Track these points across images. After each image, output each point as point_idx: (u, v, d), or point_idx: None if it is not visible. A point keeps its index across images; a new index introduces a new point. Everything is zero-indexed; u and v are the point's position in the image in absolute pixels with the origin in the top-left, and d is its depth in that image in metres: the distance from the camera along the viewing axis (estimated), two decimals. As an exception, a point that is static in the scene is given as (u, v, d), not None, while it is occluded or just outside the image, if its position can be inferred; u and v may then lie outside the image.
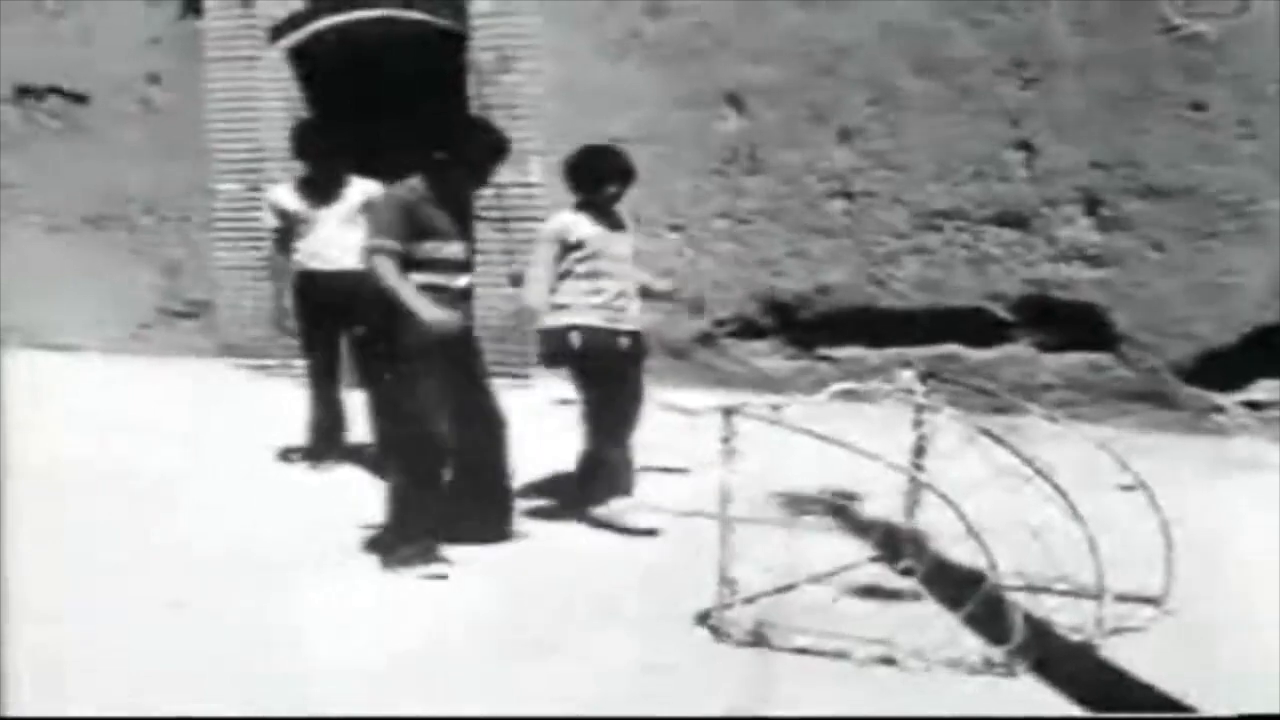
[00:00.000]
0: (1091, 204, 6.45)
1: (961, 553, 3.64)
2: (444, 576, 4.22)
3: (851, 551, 4.28)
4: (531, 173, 7.52)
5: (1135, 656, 3.34)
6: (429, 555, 4.28)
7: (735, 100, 7.16)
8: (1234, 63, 6.09)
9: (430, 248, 4.33)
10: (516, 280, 6.90)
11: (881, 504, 4.43)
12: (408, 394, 4.27)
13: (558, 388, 5.78)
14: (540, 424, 5.61)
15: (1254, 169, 6.11)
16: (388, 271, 4.25)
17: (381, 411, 4.53)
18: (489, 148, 4.47)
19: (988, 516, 3.28)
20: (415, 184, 4.41)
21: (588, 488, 4.84)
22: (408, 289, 4.24)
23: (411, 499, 4.30)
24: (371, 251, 4.30)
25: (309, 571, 4.26)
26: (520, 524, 4.71)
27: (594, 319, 4.72)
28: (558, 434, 5.19)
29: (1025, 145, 6.56)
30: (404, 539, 4.29)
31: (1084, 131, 6.41)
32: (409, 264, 4.29)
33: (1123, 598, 3.49)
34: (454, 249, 4.42)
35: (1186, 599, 3.67)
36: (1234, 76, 6.10)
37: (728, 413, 3.60)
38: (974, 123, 6.64)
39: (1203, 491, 4.92)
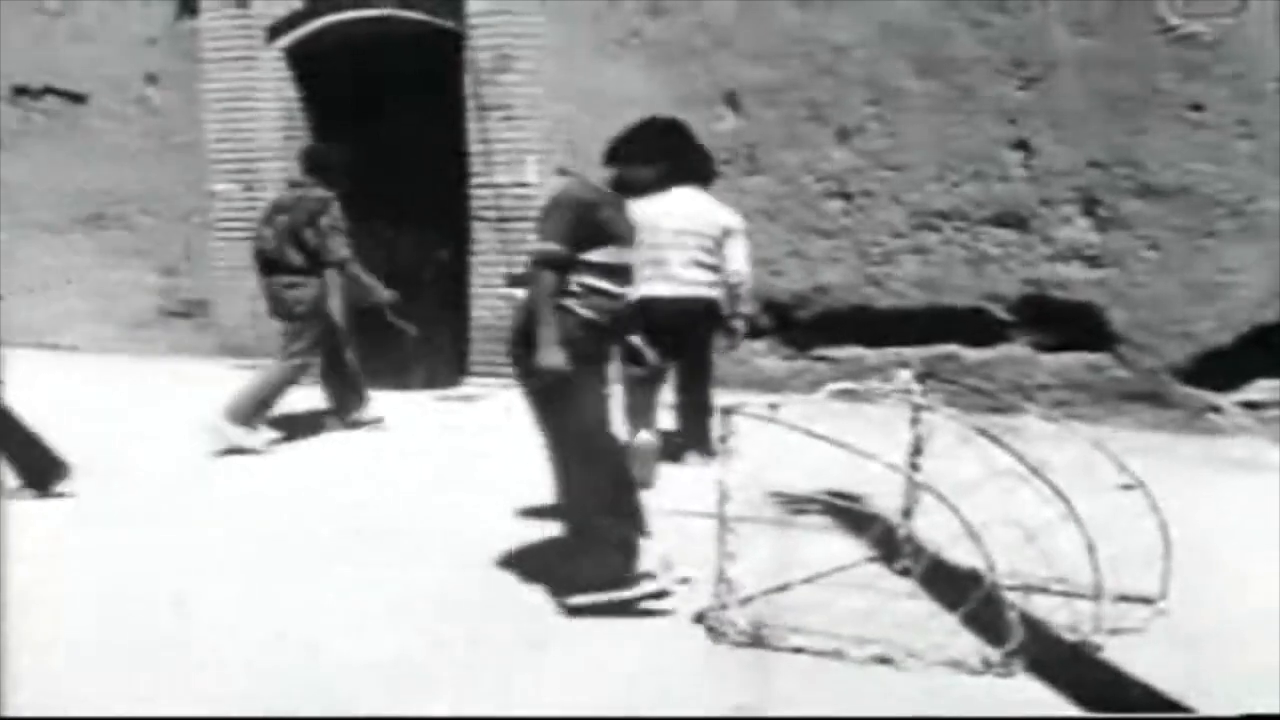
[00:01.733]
0: (1089, 204, 6.45)
1: (959, 553, 3.64)
2: (667, 594, 3.74)
3: (849, 551, 4.28)
4: (528, 173, 7.53)
5: (1133, 656, 3.34)
6: (628, 580, 3.75)
7: (734, 100, 7.16)
8: (1232, 62, 6.10)
9: (611, 253, 3.78)
10: (514, 281, 6.90)
11: (879, 504, 4.43)
12: (574, 415, 3.76)
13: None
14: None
15: (1252, 169, 6.11)
16: (542, 289, 3.69)
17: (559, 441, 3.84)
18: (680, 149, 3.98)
19: (985, 517, 3.28)
20: (599, 184, 3.89)
21: None
22: (548, 325, 3.66)
23: (592, 520, 3.78)
24: (537, 259, 3.75)
25: (306, 568, 4.26)
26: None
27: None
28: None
29: (1024, 145, 6.57)
30: (598, 567, 3.76)
31: (1082, 131, 6.41)
32: (582, 269, 3.74)
33: (1120, 598, 3.49)
34: (631, 255, 3.89)
35: (1184, 599, 3.67)
36: (1232, 76, 6.11)
37: (726, 412, 3.60)
38: (973, 123, 6.65)
39: (1200, 491, 4.92)
